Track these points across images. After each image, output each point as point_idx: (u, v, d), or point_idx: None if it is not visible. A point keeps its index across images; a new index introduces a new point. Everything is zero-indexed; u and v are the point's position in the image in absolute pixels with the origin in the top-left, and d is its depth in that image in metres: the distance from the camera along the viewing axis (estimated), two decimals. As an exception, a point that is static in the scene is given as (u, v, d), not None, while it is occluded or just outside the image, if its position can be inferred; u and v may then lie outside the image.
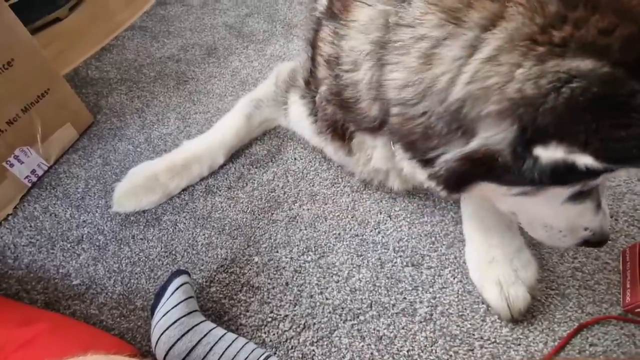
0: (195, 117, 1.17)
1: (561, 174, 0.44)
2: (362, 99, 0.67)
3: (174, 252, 0.86)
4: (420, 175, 0.64)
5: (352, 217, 0.91)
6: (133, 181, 0.93)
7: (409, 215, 0.91)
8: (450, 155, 0.52)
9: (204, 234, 0.89)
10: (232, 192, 0.97)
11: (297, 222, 0.91)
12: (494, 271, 0.75)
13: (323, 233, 0.88)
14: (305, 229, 0.89)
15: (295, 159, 1.05)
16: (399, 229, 0.89)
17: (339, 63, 0.70)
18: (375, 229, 0.89)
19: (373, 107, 0.67)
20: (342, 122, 0.81)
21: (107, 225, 0.91)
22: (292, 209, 0.93)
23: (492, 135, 0.46)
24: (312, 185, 0.98)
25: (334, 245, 0.86)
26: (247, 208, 0.93)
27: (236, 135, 1.01)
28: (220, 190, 0.97)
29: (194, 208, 0.94)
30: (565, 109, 0.39)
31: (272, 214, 0.92)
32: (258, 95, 1.06)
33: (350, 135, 0.82)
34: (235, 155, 1.04)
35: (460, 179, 0.54)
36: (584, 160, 0.40)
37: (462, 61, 0.46)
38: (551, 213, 0.61)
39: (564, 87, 0.39)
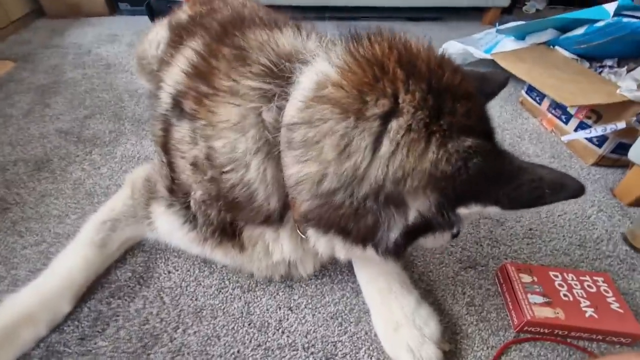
0: (24, 253, 0.91)
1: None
2: (259, 196, 0.63)
3: None
4: (344, 253, 0.66)
5: (249, 325, 0.79)
6: None
7: (310, 301, 0.85)
8: (395, 231, 0.56)
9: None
10: (87, 344, 0.74)
11: (183, 354, 0.74)
12: (402, 338, 0.73)
13: (218, 357, 0.73)
14: (195, 360, 0.73)
15: (169, 272, 0.89)
16: (304, 321, 0.81)
17: (214, 165, 0.64)
18: (277, 329, 0.79)
19: (272, 201, 0.63)
20: (230, 221, 0.73)
21: None
22: (174, 338, 0.76)
23: (422, 205, 0.53)
24: (195, 299, 0.84)
25: (234, 368, 0.72)
26: (113, 359, 0.72)
27: (85, 272, 0.80)
28: (69, 347, 0.73)
29: (29, 386, 0.68)
30: (475, 178, 0.49)
31: (149, 354, 0.73)
32: (112, 214, 0.88)
33: (240, 230, 0.74)
34: (86, 290, 0.82)
35: (405, 246, 0.59)
36: (493, 210, 0.52)
37: (375, 148, 0.51)
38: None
39: (469, 162, 0.49)
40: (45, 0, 2.42)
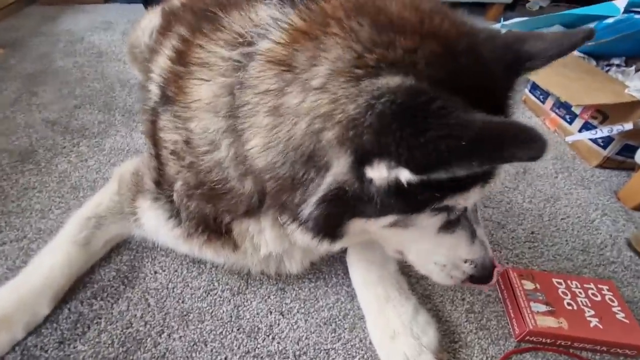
0: (2, 249, 0.87)
1: (404, 197, 0.46)
2: (231, 177, 0.60)
3: None
4: (304, 238, 0.58)
5: (238, 330, 0.76)
6: None
7: (302, 305, 0.81)
8: (310, 203, 0.50)
9: None
10: (66, 348, 0.70)
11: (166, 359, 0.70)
12: (399, 346, 0.69)
13: (205, 364, 0.70)
14: (180, 367, 0.69)
15: (155, 272, 0.85)
16: (295, 327, 0.77)
17: (192, 147, 0.62)
18: (268, 335, 0.75)
19: (246, 183, 0.60)
20: (213, 215, 0.69)
21: None
22: (159, 343, 0.72)
23: (338, 167, 0.46)
24: (182, 302, 0.80)
25: (221, 376, 0.69)
26: (92, 364, 0.68)
27: (67, 271, 0.76)
28: (46, 351, 0.69)
29: (2, 393, 0.64)
30: (378, 123, 0.40)
31: None
32: (97, 210, 0.84)
33: (228, 227, 0.71)
34: (68, 290, 0.78)
35: (327, 222, 0.52)
36: (404, 174, 0.41)
37: (301, 101, 0.46)
38: (429, 246, 0.62)
39: (377, 103, 0.40)
40: (37, -15, 2.36)
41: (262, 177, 0.55)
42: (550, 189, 1.21)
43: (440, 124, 0.37)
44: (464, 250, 0.61)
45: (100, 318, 0.75)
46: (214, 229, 0.72)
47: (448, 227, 0.57)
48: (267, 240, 0.70)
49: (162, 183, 0.74)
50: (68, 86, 1.52)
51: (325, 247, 0.61)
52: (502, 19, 1.76)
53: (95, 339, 0.72)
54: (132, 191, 0.83)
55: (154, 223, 0.78)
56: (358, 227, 0.54)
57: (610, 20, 1.28)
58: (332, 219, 0.52)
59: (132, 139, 1.25)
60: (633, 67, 1.30)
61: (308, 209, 0.50)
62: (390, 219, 0.52)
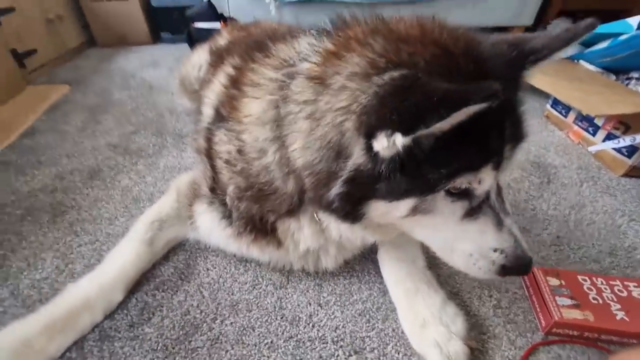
0: (79, 250, 1.01)
1: (413, 176, 0.54)
2: (276, 179, 0.71)
3: None
4: (334, 225, 0.71)
5: (281, 318, 0.84)
6: None
7: (338, 299, 0.89)
8: (336, 186, 0.58)
9: (103, 397, 0.70)
10: (135, 330, 0.81)
11: (221, 342, 0.79)
12: (429, 334, 0.75)
13: (253, 347, 0.78)
14: (232, 348, 0.78)
15: (207, 269, 0.96)
16: (333, 317, 0.85)
17: (244, 155, 0.75)
18: (308, 323, 0.83)
19: (289, 183, 0.70)
20: (259, 215, 0.80)
21: None
22: (213, 328, 0.82)
23: (356, 151, 0.55)
24: (232, 294, 0.90)
25: (268, 357, 0.77)
26: (158, 344, 0.79)
27: (136, 266, 0.89)
28: (119, 332, 0.81)
29: (86, 365, 0.75)
30: (378, 102, 0.50)
31: (190, 341, 0.79)
32: (159, 215, 0.97)
33: (273, 226, 0.82)
34: (134, 283, 0.91)
35: (348, 200, 0.59)
36: (398, 139, 0.49)
37: (328, 102, 0.57)
38: (453, 234, 0.63)
39: (379, 89, 0.50)
40: (96, 31, 2.71)
41: (301, 175, 0.65)
42: (575, 197, 1.24)
43: (419, 92, 0.46)
44: (491, 237, 0.62)
45: (162, 306, 0.86)
46: (260, 228, 0.83)
47: (471, 214, 0.61)
48: (305, 236, 0.80)
49: (216, 189, 0.87)
50: (125, 115, 1.74)
51: (352, 234, 0.71)
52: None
53: (159, 323, 0.83)
54: (189, 198, 0.96)
55: (208, 224, 0.90)
56: (379, 210, 0.60)
57: (624, 37, 1.34)
58: (352, 198, 0.59)
59: (182, 158, 1.41)
60: (651, 79, 1.35)
61: (334, 191, 0.59)
62: (408, 203, 0.58)
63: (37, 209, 1.15)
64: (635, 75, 1.40)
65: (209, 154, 0.88)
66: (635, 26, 1.33)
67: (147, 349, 0.78)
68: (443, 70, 0.52)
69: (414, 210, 0.59)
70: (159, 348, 0.78)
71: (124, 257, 0.89)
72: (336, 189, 0.59)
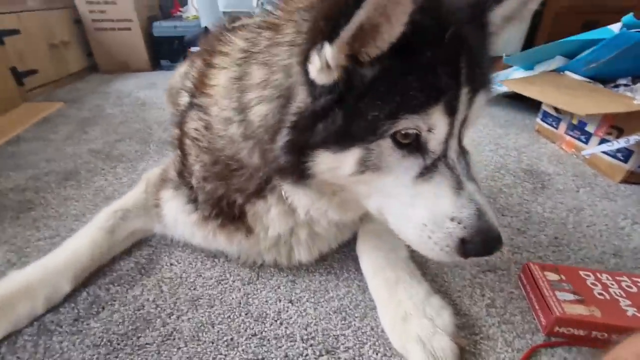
0: (37, 244, 0.94)
1: (352, 114, 0.50)
2: (242, 149, 0.67)
3: None
4: (302, 202, 0.67)
5: (246, 314, 0.74)
6: None
7: (312, 296, 0.79)
8: (282, 136, 0.55)
9: (25, 398, 0.59)
10: (79, 324, 0.71)
11: (174, 339, 0.69)
12: (411, 327, 0.65)
13: (210, 344, 0.68)
14: (185, 345, 0.68)
15: (171, 264, 0.88)
16: (304, 314, 0.75)
17: (211, 129, 0.72)
18: (275, 320, 0.73)
19: (254, 156, 0.65)
20: (227, 197, 0.75)
21: None
22: (167, 323, 0.72)
23: (299, 92, 0.53)
24: (194, 289, 0.80)
25: (225, 355, 0.66)
26: (102, 339, 0.69)
27: (91, 253, 0.81)
28: (61, 326, 0.71)
29: (14, 362, 0.65)
30: (311, 30, 0.49)
31: (139, 337, 0.69)
32: (125, 205, 0.92)
33: (241, 210, 0.75)
34: (89, 276, 0.82)
35: (293, 153, 0.55)
36: (327, 51, 0.47)
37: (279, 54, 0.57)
38: (407, 198, 0.55)
39: (317, 11, 0.49)
40: (100, 58, 2.80)
41: (262, 139, 0.61)
42: (572, 201, 1.17)
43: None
44: (447, 202, 0.53)
45: (115, 301, 0.77)
46: (227, 212, 0.77)
47: (426, 173, 0.53)
48: (273, 217, 0.74)
49: (183, 172, 0.82)
50: (112, 126, 1.73)
51: (315, 209, 0.67)
52: (504, 54, 1.88)
53: (107, 318, 0.73)
54: (156, 186, 0.91)
55: (173, 211, 0.84)
56: (325, 164, 0.54)
57: (608, 38, 1.34)
58: (296, 147, 0.54)
59: (163, 163, 1.37)
60: (639, 85, 1.33)
61: (280, 142, 0.55)
62: (353, 154, 0.52)
63: (3, 206, 1.09)
64: (622, 82, 1.39)
65: (180, 139, 0.85)
66: (617, 32, 1.34)
67: (89, 344, 0.68)
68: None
69: (362, 165, 0.53)
70: (102, 344, 0.68)
71: (78, 244, 0.82)
72: (281, 138, 0.55)
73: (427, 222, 0.54)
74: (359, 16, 0.43)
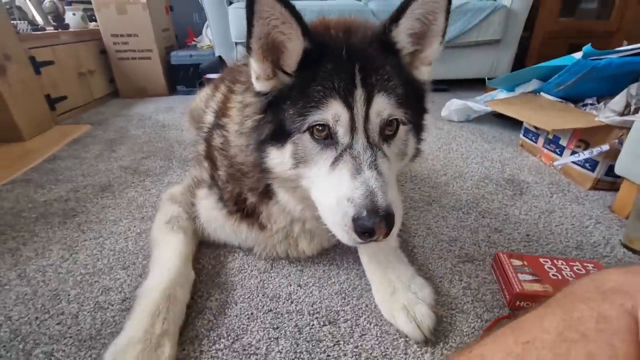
0: (84, 244, 1.11)
1: (277, 110, 0.70)
2: (248, 160, 0.84)
3: None
4: (284, 199, 0.87)
5: (263, 295, 0.90)
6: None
7: (317, 281, 0.95)
8: (251, 138, 0.78)
9: (90, 356, 0.75)
10: (126, 303, 0.88)
11: (204, 314, 0.85)
12: (398, 299, 0.81)
13: (235, 317, 0.84)
14: (215, 319, 0.84)
15: (199, 258, 1.04)
16: (311, 295, 0.91)
17: (229, 142, 0.90)
18: (287, 299, 0.89)
19: (250, 159, 0.83)
20: (244, 195, 0.92)
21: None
22: (198, 303, 0.88)
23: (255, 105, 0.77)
24: (219, 277, 0.97)
25: (247, 325, 0.82)
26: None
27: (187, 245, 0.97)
28: (112, 305, 0.87)
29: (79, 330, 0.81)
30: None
31: (177, 313, 0.85)
32: (167, 217, 1.04)
33: (254, 207, 0.92)
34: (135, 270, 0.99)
35: (255, 149, 0.75)
36: (252, 62, 0.69)
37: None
38: (326, 185, 0.66)
39: None
40: (120, 84, 3.06)
41: (247, 143, 0.81)
42: (546, 205, 1.33)
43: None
44: (345, 185, 0.62)
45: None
46: (243, 208, 0.94)
47: (336, 162, 0.66)
48: (275, 214, 0.92)
49: (214, 175, 0.99)
50: (138, 145, 1.93)
51: (291, 204, 0.86)
52: (486, 77, 2.08)
53: (149, 298, 0.89)
54: (190, 191, 1.07)
55: (208, 207, 1.00)
56: (274, 159, 0.72)
57: (568, 66, 1.54)
58: (256, 144, 0.74)
59: (186, 176, 1.55)
60: (602, 103, 1.51)
61: (252, 145, 0.77)
62: (288, 149, 0.69)
63: (51, 214, 1.27)
64: (589, 101, 1.58)
65: (208, 152, 1.03)
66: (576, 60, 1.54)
67: (136, 317, 0.84)
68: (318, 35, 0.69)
69: (294, 158, 0.70)
70: (147, 317, 0.84)
71: (173, 243, 0.95)
72: (251, 140, 0.76)
73: (334, 203, 0.64)
74: (256, 31, 0.63)
